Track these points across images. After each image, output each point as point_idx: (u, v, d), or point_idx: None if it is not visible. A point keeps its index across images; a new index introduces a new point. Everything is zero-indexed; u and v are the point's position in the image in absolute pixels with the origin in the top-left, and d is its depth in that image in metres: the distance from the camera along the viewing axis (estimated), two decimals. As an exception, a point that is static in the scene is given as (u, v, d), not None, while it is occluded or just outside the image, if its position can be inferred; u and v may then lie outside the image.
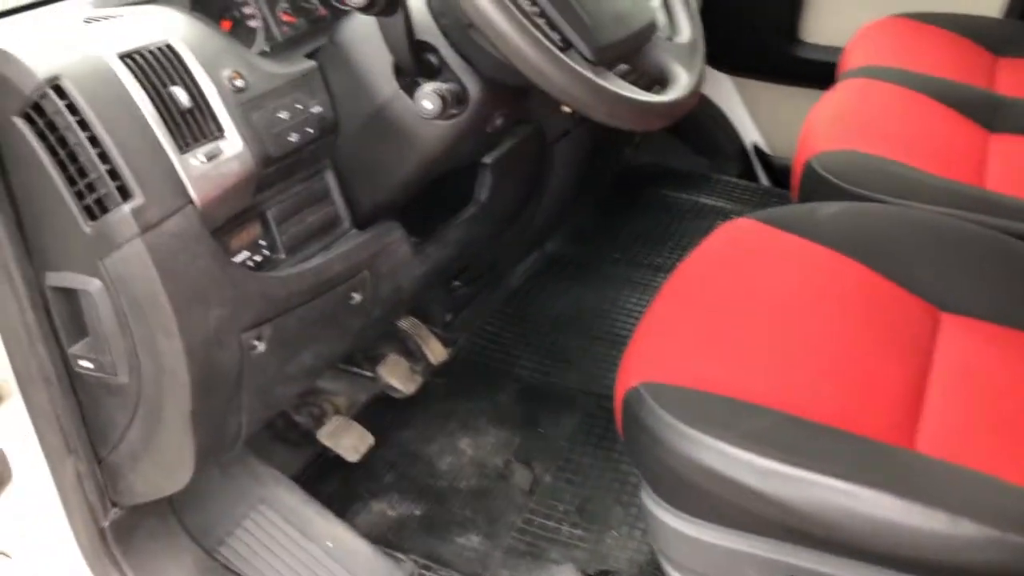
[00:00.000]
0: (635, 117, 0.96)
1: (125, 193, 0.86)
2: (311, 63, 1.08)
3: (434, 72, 1.04)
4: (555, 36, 0.95)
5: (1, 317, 0.91)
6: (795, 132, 2.29)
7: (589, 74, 0.92)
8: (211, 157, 0.93)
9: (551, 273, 2.03)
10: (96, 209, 0.87)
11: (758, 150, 2.52)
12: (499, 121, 1.13)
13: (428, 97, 0.93)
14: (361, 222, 1.16)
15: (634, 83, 0.98)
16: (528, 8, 0.94)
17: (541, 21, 0.95)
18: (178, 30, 0.97)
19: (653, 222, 2.27)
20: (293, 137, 1.03)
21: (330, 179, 1.13)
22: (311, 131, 1.05)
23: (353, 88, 1.08)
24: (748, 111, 2.53)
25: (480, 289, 1.85)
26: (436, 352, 1.66)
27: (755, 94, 2.48)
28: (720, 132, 2.56)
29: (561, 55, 0.89)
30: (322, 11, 1.24)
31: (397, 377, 1.56)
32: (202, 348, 0.93)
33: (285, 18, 1.18)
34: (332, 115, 1.09)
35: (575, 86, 0.89)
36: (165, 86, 0.92)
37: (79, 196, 0.86)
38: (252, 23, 1.15)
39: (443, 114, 0.95)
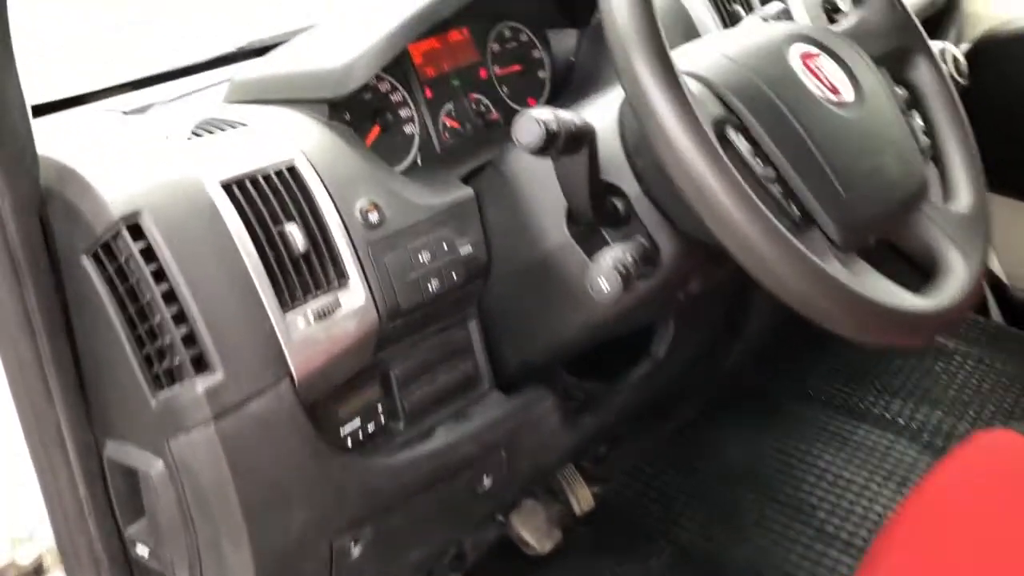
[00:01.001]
0: (895, 332, 0.68)
1: (202, 364, 0.67)
2: (467, 191, 0.86)
3: (619, 221, 0.80)
4: (792, 209, 0.69)
5: (50, 483, 0.74)
6: None
7: (836, 270, 0.66)
8: (323, 315, 0.73)
9: (727, 408, 1.74)
10: (165, 379, 0.68)
11: (990, 275, 2.13)
12: (696, 286, 0.88)
13: (605, 274, 0.69)
14: (504, 384, 0.94)
15: (889, 273, 0.71)
16: (760, 170, 0.69)
17: (775, 188, 0.69)
18: (308, 146, 0.78)
19: (854, 354, 1.93)
20: (433, 284, 0.82)
21: (474, 330, 0.91)
22: (456, 276, 0.84)
23: (514, 227, 0.85)
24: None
25: (642, 419, 1.59)
26: (583, 500, 1.41)
27: (994, 210, 2.09)
28: (947, 250, 2.19)
29: (795, 241, 0.63)
30: (494, 115, 1.03)
31: (531, 531, 1.32)
32: (278, 560, 0.72)
33: (449, 123, 0.98)
34: (485, 257, 0.87)
35: (815, 288, 0.63)
36: (278, 223, 0.72)
37: (148, 361, 0.68)
38: (408, 128, 0.95)
39: (623, 294, 0.70)
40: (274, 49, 1.13)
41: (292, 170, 0.75)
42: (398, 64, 0.94)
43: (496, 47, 1.05)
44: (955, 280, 0.76)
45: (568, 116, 0.70)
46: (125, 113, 0.98)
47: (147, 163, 0.70)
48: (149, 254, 0.66)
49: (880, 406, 1.76)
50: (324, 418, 0.78)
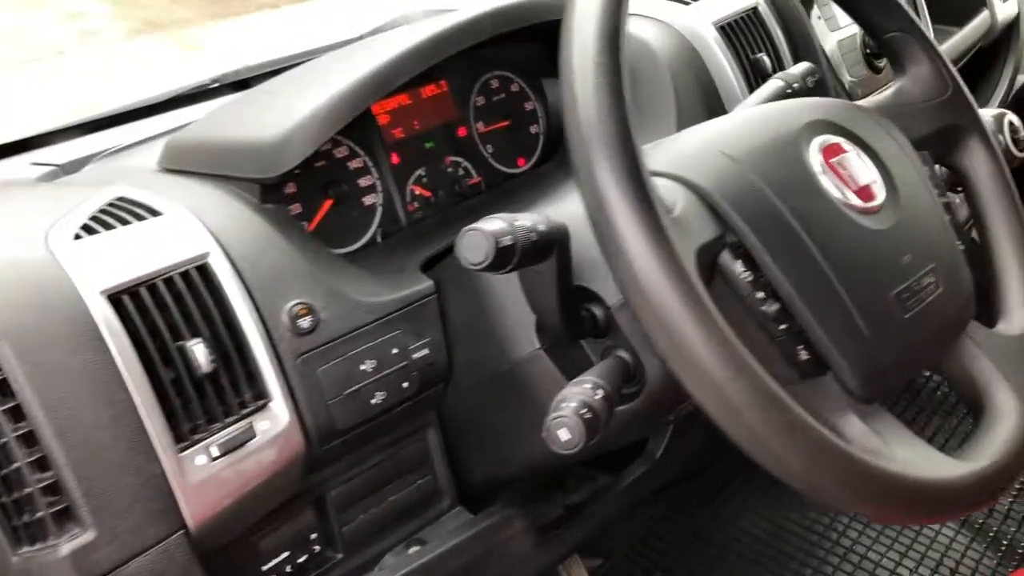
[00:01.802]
0: (927, 511, 0.54)
1: (68, 520, 0.55)
2: (426, 284, 0.74)
3: (597, 331, 0.67)
4: (800, 354, 0.55)
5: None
6: None
7: (851, 433, 0.53)
8: (232, 448, 0.61)
9: (742, 474, 1.59)
10: (25, 536, 0.56)
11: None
12: (686, 408, 0.74)
13: (568, 424, 0.56)
14: (471, 499, 0.81)
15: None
16: (760, 305, 0.55)
17: (779, 327, 0.55)
18: (230, 237, 0.66)
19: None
20: (378, 398, 0.69)
21: (433, 441, 0.78)
22: (408, 386, 0.71)
23: (478, 329, 0.73)
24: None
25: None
26: (578, 583, 1.28)
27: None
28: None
29: (790, 403, 0.49)
30: (475, 178, 0.90)
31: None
32: None
33: (418, 191, 0.85)
34: (444, 360, 0.74)
35: (819, 465, 0.49)
36: (179, 338, 0.60)
37: (5, 513, 0.56)
38: (369, 200, 0.82)
39: (587, 444, 0.57)
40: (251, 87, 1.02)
41: (203, 269, 0.63)
42: (358, 126, 0.81)
43: (481, 100, 0.92)
44: (1005, 427, 0.61)
45: (528, 224, 0.57)
46: (58, 165, 0.87)
47: (11, 271, 0.58)
48: (5, 388, 0.54)
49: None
50: (240, 557, 0.66)
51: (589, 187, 0.49)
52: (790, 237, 0.56)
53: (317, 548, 0.72)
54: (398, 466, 0.76)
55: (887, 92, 0.74)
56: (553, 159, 0.97)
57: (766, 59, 0.98)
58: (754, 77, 0.97)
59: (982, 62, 1.75)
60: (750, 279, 0.55)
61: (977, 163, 0.73)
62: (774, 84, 0.81)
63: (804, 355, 0.55)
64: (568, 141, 0.51)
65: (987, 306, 0.70)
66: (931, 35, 0.74)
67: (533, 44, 0.92)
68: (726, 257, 0.55)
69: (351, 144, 0.82)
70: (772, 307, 0.55)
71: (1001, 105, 1.75)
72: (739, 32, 0.98)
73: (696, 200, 0.56)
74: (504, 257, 0.55)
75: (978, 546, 1.49)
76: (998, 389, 0.64)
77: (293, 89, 0.80)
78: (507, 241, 0.55)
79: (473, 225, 0.55)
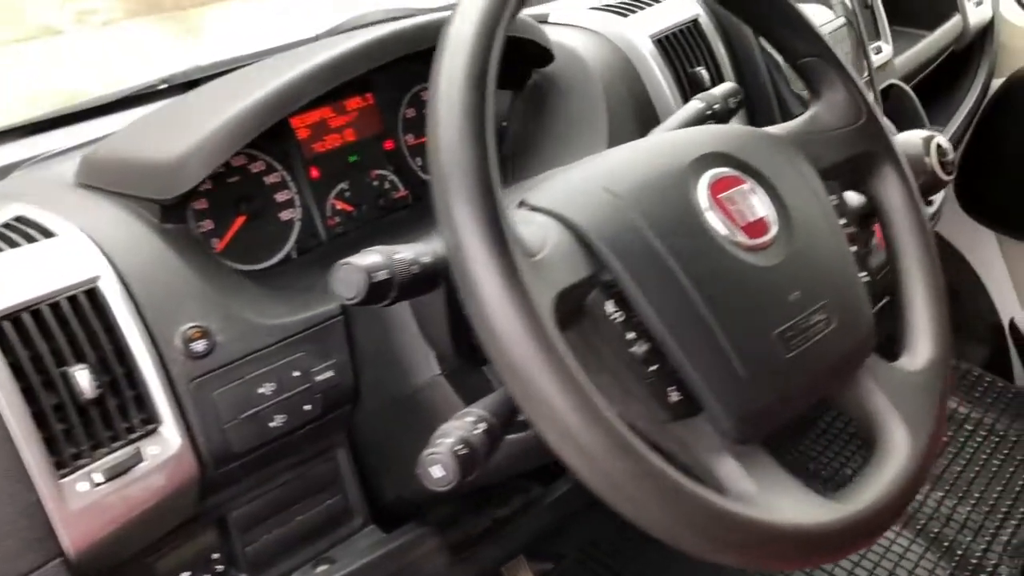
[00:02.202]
0: (802, 556, 0.54)
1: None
2: (333, 307, 0.73)
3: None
4: (671, 395, 0.55)
5: None
6: None
7: (721, 476, 0.52)
8: (118, 473, 0.61)
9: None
10: None
11: (1016, 333, 1.94)
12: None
13: (442, 460, 0.55)
14: (384, 518, 0.81)
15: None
16: (625, 344, 0.54)
17: (649, 369, 0.55)
18: (125, 259, 0.65)
19: (843, 425, 1.77)
20: (277, 420, 0.69)
21: (343, 461, 0.78)
22: (311, 408, 0.71)
23: (383, 352, 0.72)
24: (1012, 281, 1.96)
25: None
26: (525, 589, 1.28)
27: (1019, 261, 1.91)
28: (970, 302, 2.00)
29: (638, 448, 0.48)
30: (402, 192, 0.89)
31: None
32: None
33: (339, 206, 0.85)
34: (350, 381, 0.74)
35: (676, 514, 0.49)
36: (62, 365, 0.60)
37: None
38: (286, 214, 0.82)
39: (463, 480, 0.57)
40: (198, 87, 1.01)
41: (92, 293, 0.62)
42: (276, 140, 0.81)
43: (410, 112, 0.91)
44: (892, 466, 0.61)
45: (409, 257, 0.56)
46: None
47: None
48: None
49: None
50: (134, 577, 0.66)
51: (447, 228, 0.49)
52: (665, 276, 0.55)
53: (220, 568, 0.72)
54: (307, 485, 0.76)
55: (801, 118, 0.73)
56: None
57: (704, 73, 0.97)
58: (691, 91, 0.96)
59: (955, 66, 1.74)
60: (621, 319, 0.55)
61: (890, 192, 0.72)
62: (694, 106, 0.80)
63: (675, 396, 0.55)
64: (429, 171, 0.51)
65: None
66: (846, 61, 0.72)
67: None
68: (597, 296, 0.55)
69: (268, 159, 0.81)
70: (642, 347, 0.54)
71: (974, 110, 1.73)
72: (677, 45, 0.97)
73: (571, 238, 0.55)
74: (379, 292, 0.55)
75: (932, 555, 1.49)
76: (893, 426, 0.63)
77: (200, 106, 0.79)
78: (382, 276, 0.55)
79: (347, 259, 0.55)
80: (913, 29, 1.63)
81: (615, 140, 0.89)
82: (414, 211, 0.89)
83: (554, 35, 0.95)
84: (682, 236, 0.57)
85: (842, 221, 0.69)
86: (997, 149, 1.83)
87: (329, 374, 0.72)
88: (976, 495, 1.60)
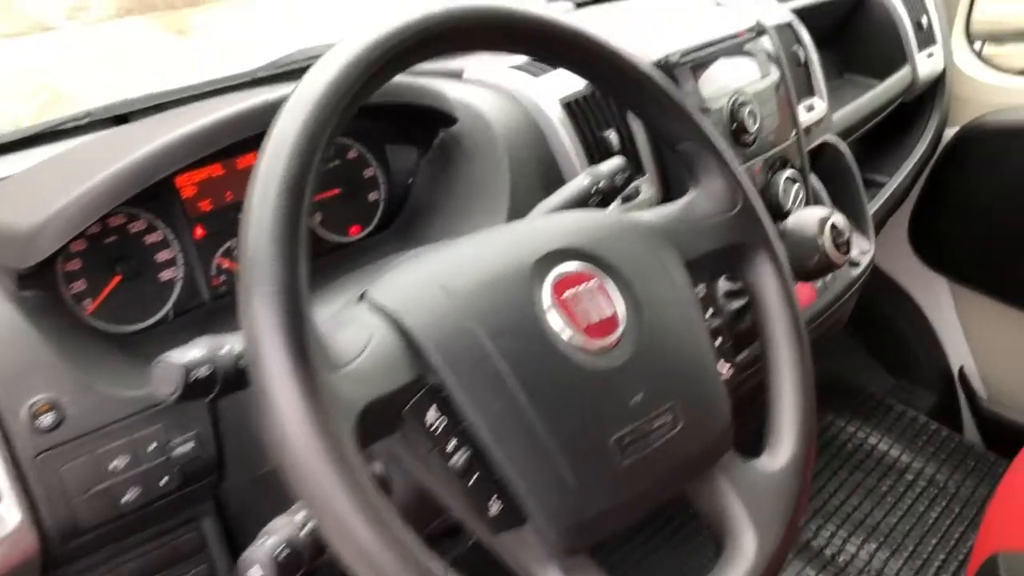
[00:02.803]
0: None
1: None
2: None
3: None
4: (491, 506, 0.54)
5: None
6: (1022, 376, 1.73)
7: None
8: (-56, 552, 0.60)
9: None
10: None
11: (965, 383, 1.93)
12: (441, 523, 0.72)
13: (260, 561, 0.54)
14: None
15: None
16: (445, 453, 0.53)
17: (470, 478, 0.53)
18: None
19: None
20: (130, 494, 0.68)
21: (209, 530, 0.77)
22: (168, 481, 0.70)
23: (249, 426, 0.71)
24: (963, 329, 1.95)
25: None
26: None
27: (975, 310, 1.90)
28: (920, 349, 2.00)
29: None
30: (295, 249, 0.88)
31: None
32: None
33: (226, 264, 0.84)
34: (212, 455, 0.73)
35: None
36: None
37: None
38: (166, 274, 0.81)
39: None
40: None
41: None
42: (160, 198, 0.80)
43: (310, 168, 0.90)
44: (736, 571, 0.60)
45: (236, 350, 0.55)
46: None
47: None
48: None
49: (822, 535, 1.59)
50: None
51: (245, 333, 0.48)
52: (495, 381, 0.54)
53: None
54: (171, 555, 0.75)
55: (677, 203, 0.72)
56: (391, 227, 0.95)
57: (613, 137, 0.96)
58: (600, 155, 0.95)
59: (907, 116, 1.73)
60: (443, 425, 0.53)
61: (763, 282, 0.71)
62: (580, 182, 0.79)
63: (496, 508, 0.54)
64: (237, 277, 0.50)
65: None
66: (724, 147, 0.71)
67: (375, 115, 0.91)
68: (421, 401, 0.54)
69: (150, 217, 0.80)
70: (463, 456, 0.53)
71: (925, 159, 1.73)
72: (587, 108, 0.96)
73: (397, 339, 0.54)
74: (200, 388, 0.54)
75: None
76: (742, 528, 0.62)
77: (66, 170, 0.78)
78: (202, 372, 0.53)
79: (165, 355, 0.54)
80: (864, 77, 1.63)
81: (517, 205, 0.88)
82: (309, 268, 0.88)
83: (463, 94, 0.94)
84: (517, 338, 0.56)
85: (708, 312, 0.68)
86: (950, 197, 1.83)
87: (189, 446, 0.71)
88: (910, 548, 1.60)
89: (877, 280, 2.03)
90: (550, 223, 0.64)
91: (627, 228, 0.66)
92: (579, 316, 0.58)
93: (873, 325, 2.05)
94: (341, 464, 0.46)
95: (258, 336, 0.47)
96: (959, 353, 1.96)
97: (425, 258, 0.60)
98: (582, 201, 0.78)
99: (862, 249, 1.25)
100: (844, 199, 1.30)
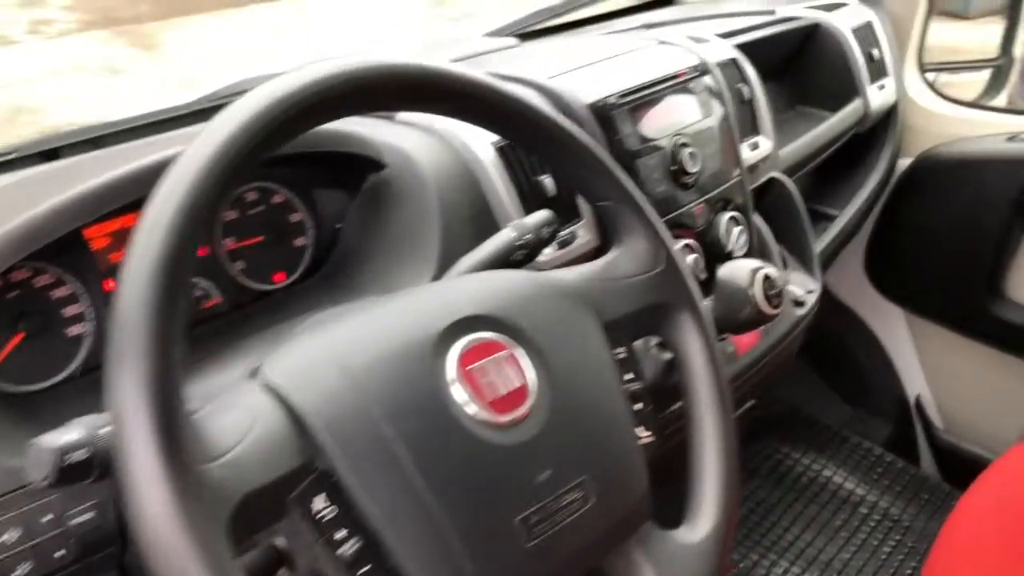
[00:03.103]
0: None
1: None
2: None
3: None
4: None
5: None
6: (978, 406, 1.73)
7: None
8: None
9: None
10: None
11: (921, 413, 1.93)
12: None
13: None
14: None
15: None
16: (334, 542, 0.51)
17: (361, 569, 0.51)
18: None
19: (753, 496, 1.75)
20: (21, 569, 0.65)
21: (112, 599, 0.73)
22: (63, 554, 0.66)
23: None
24: (919, 359, 1.95)
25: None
26: None
27: (931, 340, 1.90)
28: (877, 379, 1.99)
29: None
30: (215, 299, 0.85)
31: None
32: None
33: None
34: (113, 523, 0.69)
35: None
36: None
37: None
38: (75, 330, 0.77)
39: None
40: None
41: None
42: (67, 251, 0.76)
43: (232, 215, 0.87)
44: None
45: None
46: None
47: None
48: None
49: (774, 572, 1.57)
50: None
51: (113, 418, 0.45)
52: (390, 465, 0.52)
53: None
54: None
55: (598, 262, 0.70)
56: (319, 273, 0.93)
57: (549, 182, 0.94)
58: (535, 200, 0.93)
59: (860, 148, 1.73)
60: (333, 514, 0.51)
61: (685, 343, 0.69)
62: (504, 236, 0.77)
63: None
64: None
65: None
66: (647, 205, 0.69)
67: (300, 162, 0.88)
68: (310, 488, 0.51)
69: (58, 271, 0.77)
70: (354, 546, 0.51)
71: (878, 190, 1.73)
72: (522, 152, 0.94)
73: (285, 421, 0.51)
74: (76, 473, 0.50)
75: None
76: None
77: None
78: (78, 456, 0.50)
79: (38, 437, 0.51)
80: (816, 109, 1.63)
81: (449, 251, 0.86)
82: (228, 320, 0.85)
83: (394, 137, 0.92)
84: (417, 417, 0.53)
85: (628, 376, 0.66)
86: (904, 228, 1.83)
87: (88, 516, 0.67)
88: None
89: (834, 310, 2.02)
90: (460, 289, 0.62)
91: (542, 292, 0.63)
92: (485, 389, 0.56)
93: (830, 355, 2.04)
94: (209, 567, 0.43)
95: (125, 424, 0.44)
96: (916, 383, 1.96)
97: (324, 330, 0.57)
98: (506, 256, 0.75)
99: (808, 288, 1.24)
100: (790, 237, 1.29)
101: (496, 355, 0.58)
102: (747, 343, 1.09)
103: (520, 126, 0.64)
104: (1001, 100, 1.97)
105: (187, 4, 7.34)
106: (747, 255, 1.15)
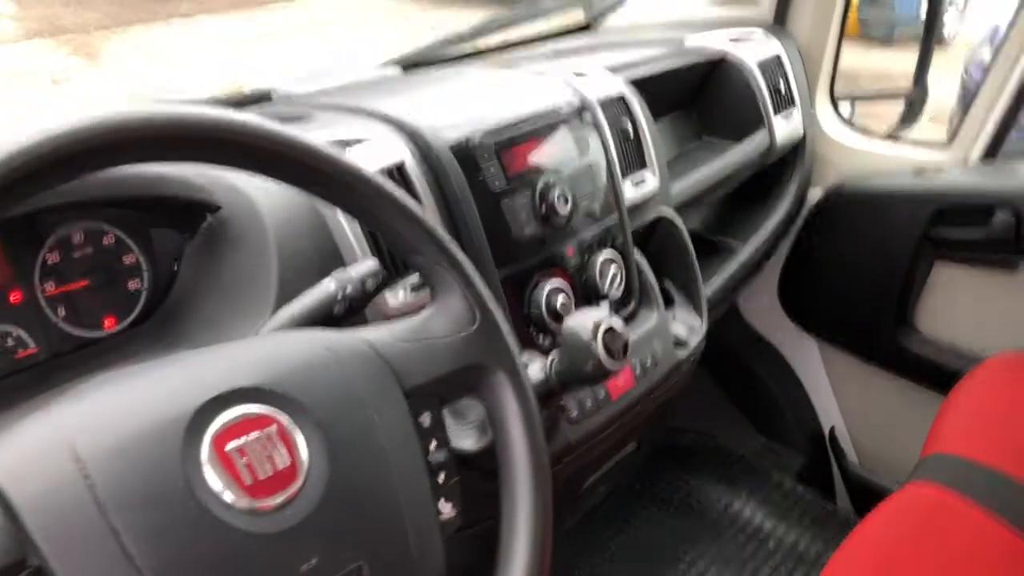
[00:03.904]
0: None
1: None
2: None
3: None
4: None
5: None
6: (889, 438, 1.72)
7: None
8: None
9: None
10: None
11: (835, 445, 1.92)
12: None
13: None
14: None
15: None
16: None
17: None
18: None
19: (663, 528, 1.72)
20: None
21: None
22: None
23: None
24: (833, 390, 1.94)
25: None
26: None
27: (844, 371, 1.89)
28: (792, 411, 1.98)
29: None
30: (30, 349, 0.80)
31: None
32: None
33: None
34: None
35: None
36: None
37: None
38: None
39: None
40: None
41: None
42: None
43: (54, 258, 0.82)
44: None
45: None
46: None
47: None
48: None
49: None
50: None
51: None
52: (120, 562, 0.47)
53: None
54: None
55: (411, 321, 0.66)
56: (152, 318, 0.88)
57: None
58: (386, 244, 0.89)
59: (769, 179, 1.72)
60: None
61: (503, 406, 0.65)
62: (324, 287, 0.72)
63: None
64: None
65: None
66: (462, 258, 0.66)
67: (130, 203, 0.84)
68: None
69: None
70: None
71: (787, 221, 1.71)
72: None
73: (0, 516, 0.47)
74: None
75: None
76: None
77: None
78: None
79: None
80: (721, 140, 1.61)
81: (285, 300, 0.81)
82: (45, 371, 0.80)
83: (232, 176, 0.87)
84: (156, 508, 0.49)
85: (433, 444, 0.62)
86: (816, 258, 1.82)
87: None
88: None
89: (750, 339, 2.01)
90: (231, 356, 0.57)
91: (333, 357, 0.59)
92: (245, 472, 0.52)
93: (745, 384, 2.03)
94: None
95: None
96: (830, 414, 1.94)
97: (62, 408, 0.52)
98: (325, 309, 0.71)
99: (693, 328, 1.21)
100: (678, 275, 1.26)
101: (263, 431, 0.53)
102: (620, 387, 1.06)
103: (319, 178, 0.60)
104: (917, 131, 1.97)
105: (133, 14, 7.22)
106: (625, 297, 1.12)
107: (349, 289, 0.72)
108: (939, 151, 1.70)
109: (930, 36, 1.91)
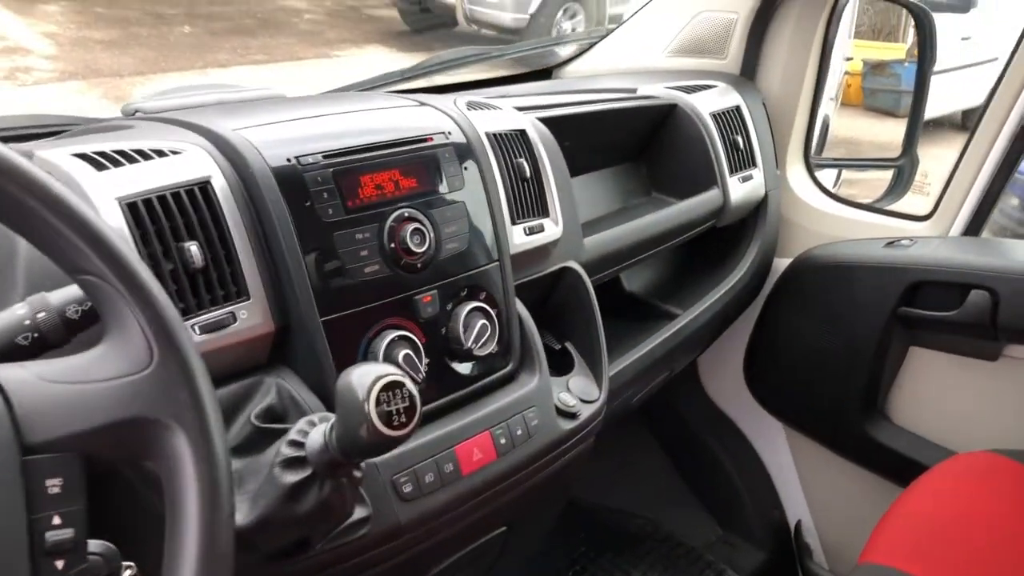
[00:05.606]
0: None
1: None
2: None
3: None
4: None
5: None
6: (860, 537, 1.52)
7: None
8: None
9: None
10: None
11: (800, 541, 1.72)
12: None
13: None
14: None
15: None
16: None
17: None
18: None
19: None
20: None
21: None
22: None
23: None
24: (800, 478, 1.75)
25: None
26: None
27: (813, 459, 1.71)
28: (755, 501, 1.79)
29: None
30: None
31: None
32: None
33: None
34: None
35: None
36: None
37: None
38: None
39: None
40: None
41: None
42: None
43: None
44: None
45: None
46: None
47: None
48: None
49: None
50: None
51: None
52: None
53: None
54: None
55: (83, 357, 0.52)
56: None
57: (194, 249, 0.77)
58: (183, 275, 0.76)
59: (726, 243, 1.57)
60: None
61: (175, 477, 0.51)
62: (12, 313, 0.59)
63: None
64: None
65: None
66: (145, 281, 0.52)
67: None
68: None
69: None
70: None
71: (745, 292, 1.55)
72: (164, 213, 0.77)
73: None
74: None
75: None
76: None
77: None
78: None
79: None
80: (670, 198, 1.47)
81: None
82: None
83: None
84: None
85: (56, 520, 0.48)
86: (783, 335, 1.65)
87: None
88: None
89: (712, 417, 1.83)
90: None
91: None
92: None
93: (703, 466, 1.84)
94: None
95: None
96: (795, 506, 1.75)
97: None
98: (8, 340, 0.58)
99: (588, 396, 1.05)
100: (579, 336, 1.11)
101: None
102: (475, 461, 0.90)
103: None
104: (904, 202, 1.81)
105: (171, 61, 7.35)
106: (496, 354, 0.97)
107: (42, 316, 0.59)
108: (918, 224, 1.55)
109: (919, 106, 1.78)
